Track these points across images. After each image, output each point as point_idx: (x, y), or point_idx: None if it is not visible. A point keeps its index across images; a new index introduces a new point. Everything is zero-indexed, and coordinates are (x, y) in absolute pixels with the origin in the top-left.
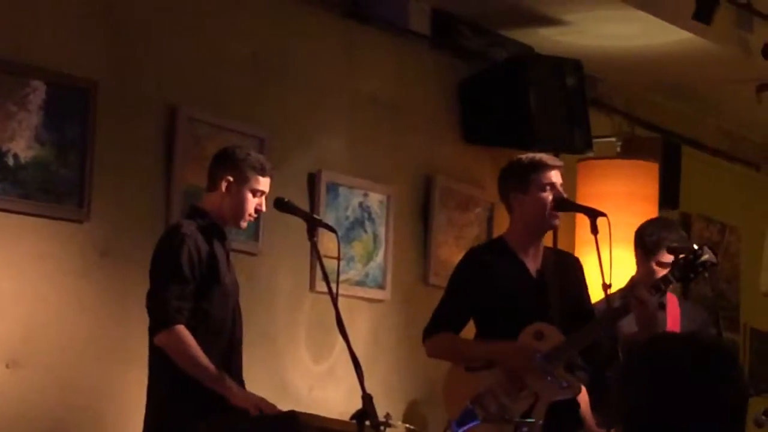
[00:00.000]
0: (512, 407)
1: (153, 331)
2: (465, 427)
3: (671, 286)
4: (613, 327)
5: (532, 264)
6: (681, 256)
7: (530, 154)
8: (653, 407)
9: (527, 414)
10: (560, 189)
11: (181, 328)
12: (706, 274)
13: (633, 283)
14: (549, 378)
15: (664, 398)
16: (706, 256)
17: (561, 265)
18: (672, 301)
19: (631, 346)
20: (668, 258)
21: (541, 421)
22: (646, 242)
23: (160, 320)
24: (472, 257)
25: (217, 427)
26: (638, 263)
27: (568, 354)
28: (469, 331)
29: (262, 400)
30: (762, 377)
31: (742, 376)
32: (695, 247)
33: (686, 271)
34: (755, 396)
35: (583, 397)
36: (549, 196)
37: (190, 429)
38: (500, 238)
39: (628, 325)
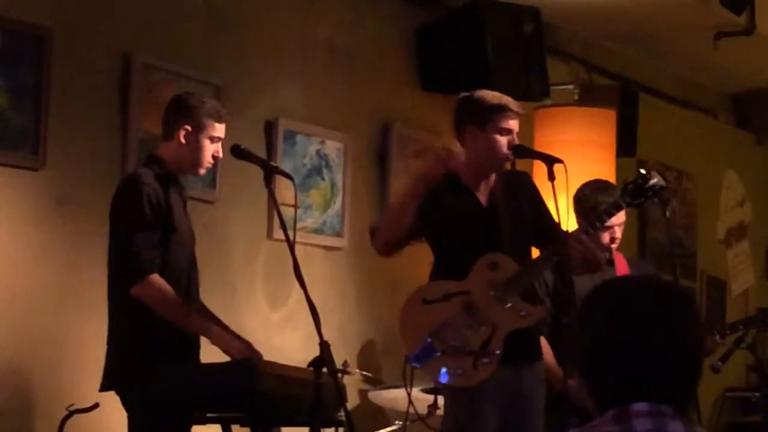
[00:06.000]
0: (471, 338)
1: (127, 283)
2: (424, 362)
3: (614, 246)
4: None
5: (482, 194)
6: (629, 182)
7: (497, 93)
8: (611, 348)
9: (486, 345)
10: (515, 138)
11: (156, 277)
12: (656, 200)
13: None
14: (507, 305)
15: (622, 340)
16: (654, 180)
17: (511, 187)
18: (620, 259)
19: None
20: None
21: (499, 351)
22: (584, 208)
23: (133, 272)
24: None
25: (176, 374)
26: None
27: (524, 283)
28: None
29: (240, 343)
30: (719, 324)
31: (699, 318)
32: (642, 171)
33: (636, 196)
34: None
35: (546, 348)
36: (504, 141)
37: (149, 376)
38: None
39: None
